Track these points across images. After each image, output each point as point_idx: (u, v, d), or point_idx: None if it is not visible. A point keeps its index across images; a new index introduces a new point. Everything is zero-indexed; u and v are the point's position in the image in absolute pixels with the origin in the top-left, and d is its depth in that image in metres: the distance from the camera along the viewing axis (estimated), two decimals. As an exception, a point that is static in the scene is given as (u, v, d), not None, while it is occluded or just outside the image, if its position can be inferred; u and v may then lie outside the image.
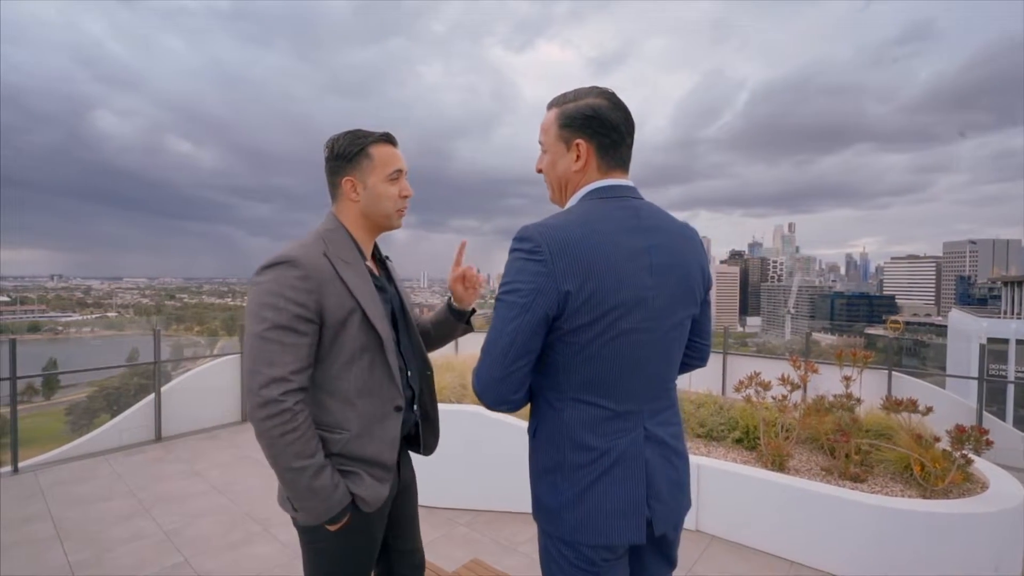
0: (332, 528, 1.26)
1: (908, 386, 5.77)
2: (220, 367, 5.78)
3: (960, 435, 2.83)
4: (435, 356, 3.59)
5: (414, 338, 1.51)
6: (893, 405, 3.13)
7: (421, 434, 1.52)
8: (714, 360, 7.13)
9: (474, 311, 1.60)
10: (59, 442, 4.85)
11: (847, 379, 3.56)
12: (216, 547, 3.10)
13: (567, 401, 1.11)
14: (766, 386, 3.50)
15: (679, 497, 1.18)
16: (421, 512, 1.68)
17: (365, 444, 1.30)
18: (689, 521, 3.27)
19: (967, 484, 2.93)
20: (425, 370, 1.53)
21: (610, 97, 1.14)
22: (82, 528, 3.32)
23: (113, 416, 5.19)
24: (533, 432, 1.19)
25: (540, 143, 1.22)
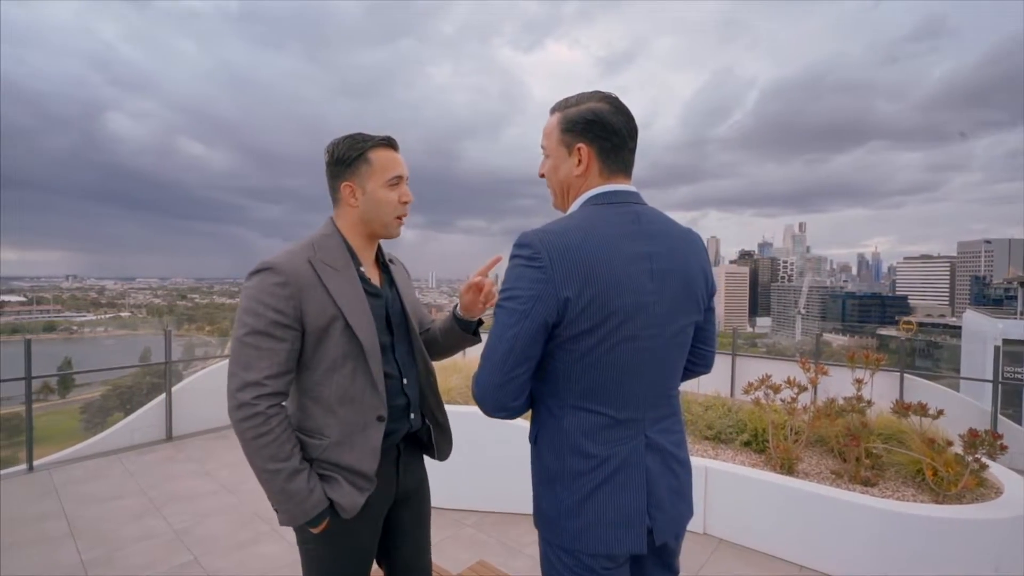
0: (314, 531, 1.27)
1: (920, 389, 5.70)
2: (230, 367, 5.84)
3: (973, 439, 2.78)
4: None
5: (415, 344, 1.48)
6: (903, 409, 3.09)
7: (435, 440, 1.51)
8: (723, 361, 7.07)
9: (481, 322, 1.53)
10: (74, 440, 4.93)
11: (858, 382, 3.51)
12: (225, 546, 3.13)
13: (567, 408, 1.10)
14: (776, 389, 3.46)
15: (680, 506, 1.17)
16: (426, 513, 1.67)
17: (344, 452, 1.29)
18: (697, 524, 3.25)
19: (981, 489, 2.88)
20: (428, 377, 1.50)
21: (612, 101, 1.14)
22: (94, 526, 3.37)
23: (126, 415, 5.27)
24: (534, 439, 1.19)
25: (542, 148, 1.21)
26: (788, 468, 3.20)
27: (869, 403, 3.40)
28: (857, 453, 3.12)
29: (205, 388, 5.61)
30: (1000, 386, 5.11)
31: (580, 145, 1.13)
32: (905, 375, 5.78)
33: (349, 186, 1.35)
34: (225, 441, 5.17)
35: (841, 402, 3.40)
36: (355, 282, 1.34)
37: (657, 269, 1.08)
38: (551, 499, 1.12)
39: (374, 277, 1.44)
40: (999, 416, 5.09)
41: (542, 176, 1.24)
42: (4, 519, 3.46)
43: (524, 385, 1.10)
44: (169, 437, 5.18)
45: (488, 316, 1.58)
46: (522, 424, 3.50)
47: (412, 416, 1.44)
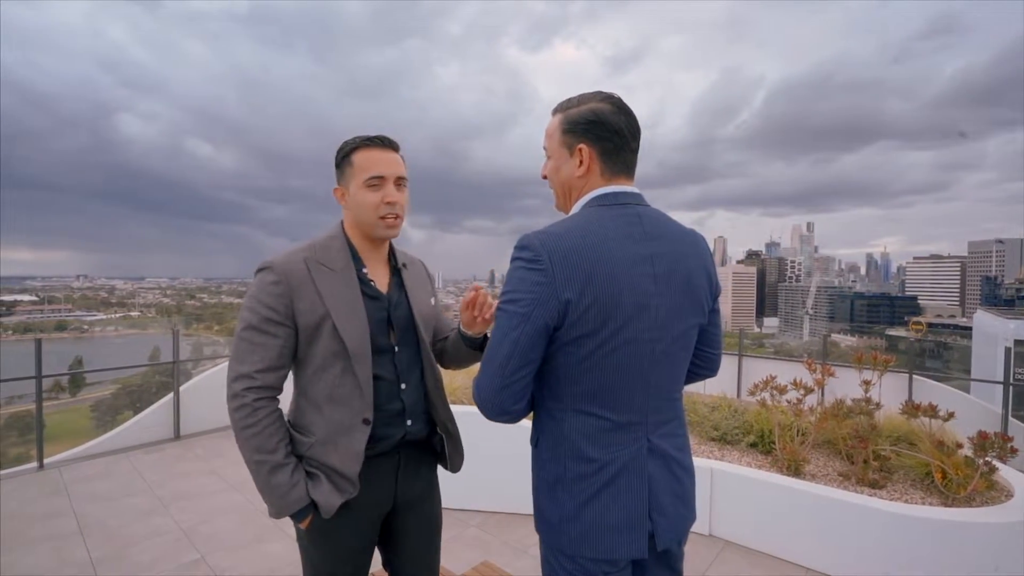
0: (300, 526, 1.32)
1: (930, 390, 5.64)
2: (237, 367, 5.87)
3: (983, 441, 2.75)
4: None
5: (423, 350, 1.44)
6: (912, 410, 3.05)
7: (447, 451, 1.49)
8: (729, 362, 7.03)
9: (486, 337, 1.44)
10: (85, 437, 4.98)
11: (866, 383, 3.48)
12: (231, 544, 3.15)
13: (568, 412, 1.09)
14: (782, 390, 3.44)
15: (683, 511, 1.17)
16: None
17: (329, 452, 1.30)
18: (702, 526, 3.23)
19: (991, 492, 2.85)
20: (436, 385, 1.46)
21: (615, 102, 1.13)
22: (103, 524, 3.41)
23: (136, 413, 5.31)
24: (535, 443, 1.18)
25: (544, 149, 1.21)
26: (795, 470, 3.17)
27: (877, 405, 3.37)
28: (865, 455, 3.09)
29: (213, 387, 5.64)
30: (1011, 388, 5.04)
31: (581, 146, 1.12)
32: (914, 376, 5.71)
33: (339, 189, 1.39)
34: (232, 440, 5.18)
35: (849, 403, 3.37)
36: (351, 283, 1.34)
37: (660, 271, 1.07)
38: (552, 503, 1.12)
39: (380, 279, 1.42)
40: (1010, 418, 5.02)
41: (544, 177, 1.23)
42: (15, 516, 3.50)
43: (526, 389, 1.09)
44: (177, 436, 5.23)
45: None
46: (527, 424, 3.50)
47: (409, 423, 1.39)
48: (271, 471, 1.25)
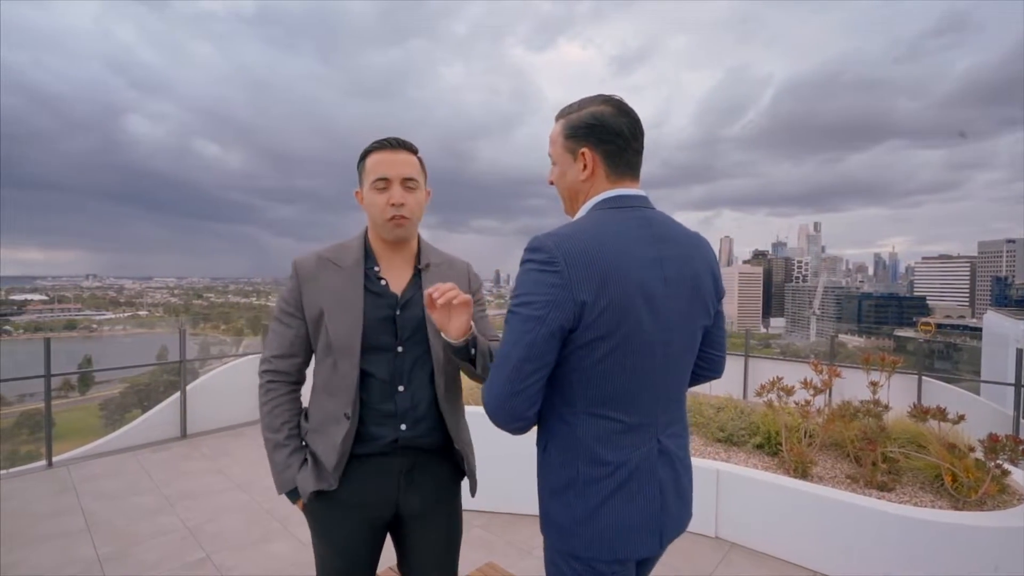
0: (296, 505, 1.41)
1: (939, 392, 5.58)
2: (244, 365, 5.90)
3: (994, 444, 2.71)
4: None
5: (434, 353, 1.38)
6: (921, 412, 3.02)
7: (466, 468, 1.46)
8: (735, 363, 6.99)
9: (469, 346, 1.26)
10: (94, 436, 5.03)
11: (874, 384, 3.44)
12: (237, 544, 3.16)
13: (580, 416, 1.08)
14: (789, 391, 3.40)
15: (683, 509, 1.18)
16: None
17: (317, 440, 1.37)
18: (708, 527, 3.21)
19: (1002, 496, 2.81)
20: (446, 394, 1.40)
21: (615, 103, 1.14)
22: (110, 522, 3.43)
23: (144, 412, 5.35)
24: (543, 447, 1.16)
25: (549, 155, 1.21)
26: (802, 472, 3.14)
27: (886, 406, 3.33)
28: (873, 457, 3.05)
29: (219, 387, 5.68)
30: (1023, 390, 4.98)
31: (584, 150, 1.13)
32: (923, 378, 5.65)
33: (358, 192, 1.42)
34: (239, 439, 5.24)
35: (857, 404, 3.33)
36: (354, 280, 1.37)
37: (669, 274, 1.08)
38: (562, 507, 1.11)
39: (396, 279, 1.41)
40: (1021, 420, 4.96)
41: (551, 184, 1.23)
42: (24, 514, 3.53)
43: (538, 393, 1.07)
44: (184, 435, 5.26)
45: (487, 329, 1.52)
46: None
47: (404, 427, 1.35)
48: (273, 448, 1.39)
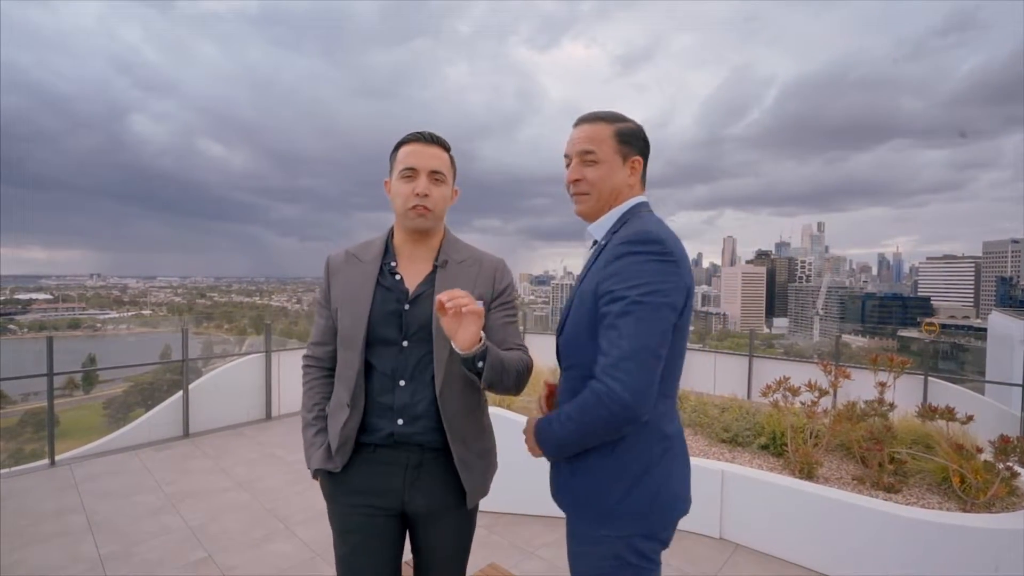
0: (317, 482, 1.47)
1: (946, 392, 5.53)
2: (247, 365, 5.90)
3: (1005, 446, 2.67)
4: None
5: (436, 353, 1.34)
6: (929, 413, 2.98)
7: (461, 475, 1.38)
8: (740, 363, 6.96)
9: (478, 361, 1.23)
10: (98, 434, 5.03)
11: (881, 385, 3.40)
12: (239, 544, 3.15)
13: (658, 397, 1.15)
14: (795, 391, 3.37)
15: None
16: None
17: (330, 424, 1.43)
18: (713, 528, 3.18)
19: (1011, 498, 2.77)
20: (445, 392, 1.35)
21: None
22: (112, 521, 3.42)
23: (147, 411, 5.36)
24: (622, 438, 1.17)
25: (588, 152, 1.26)
26: (808, 473, 3.12)
27: (892, 407, 3.30)
28: (880, 458, 3.02)
29: (222, 386, 5.68)
30: (1030, 390, 4.93)
31: (637, 158, 1.28)
32: (930, 378, 5.61)
33: (387, 182, 1.45)
34: (241, 439, 5.23)
35: (863, 405, 3.30)
36: (369, 274, 1.40)
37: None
38: (643, 493, 1.17)
39: (413, 274, 1.41)
40: (1029, 422, 4.92)
41: (577, 180, 1.28)
42: (26, 513, 3.53)
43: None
44: (186, 434, 5.25)
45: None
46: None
47: (400, 422, 1.34)
48: (304, 427, 1.47)
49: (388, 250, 1.44)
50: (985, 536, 2.46)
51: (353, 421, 1.36)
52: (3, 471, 4.29)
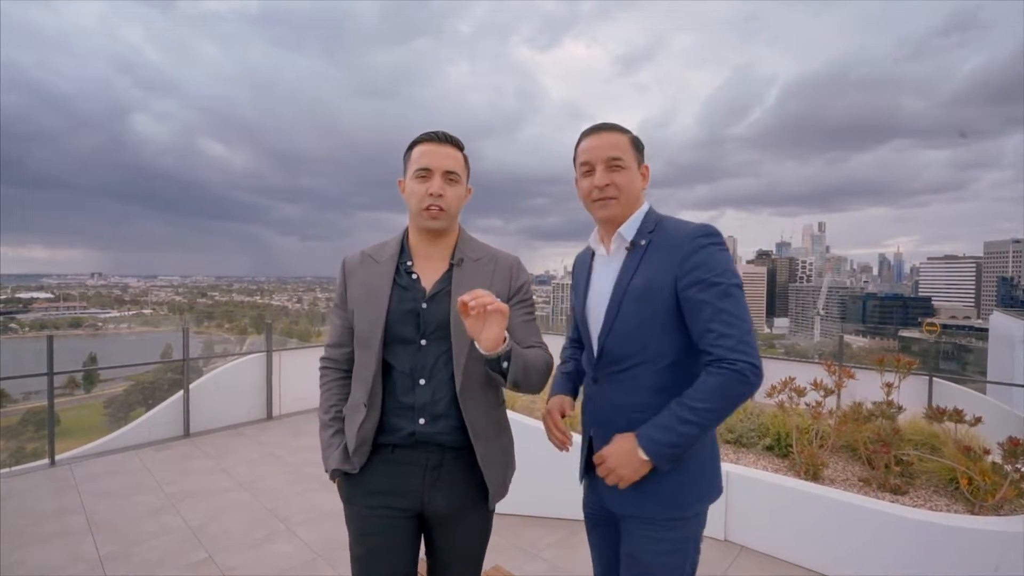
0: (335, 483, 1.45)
1: (950, 393, 5.50)
2: (247, 364, 5.88)
3: (1014, 448, 2.64)
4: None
5: (455, 351, 1.33)
6: (937, 414, 2.95)
7: (485, 476, 1.38)
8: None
9: (502, 362, 1.24)
10: (99, 433, 5.01)
11: (888, 386, 3.37)
12: (239, 544, 3.13)
13: None
14: (800, 392, 3.35)
15: None
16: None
17: (347, 424, 1.42)
18: (717, 530, 3.15)
19: (1021, 500, 2.75)
20: (466, 391, 1.33)
21: None
22: (112, 521, 3.40)
23: (148, 410, 5.34)
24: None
25: (617, 158, 1.32)
26: (813, 474, 3.09)
27: (900, 408, 3.27)
28: (887, 460, 3.00)
29: (223, 385, 5.66)
30: (1035, 391, 4.90)
31: (646, 165, 1.40)
32: (934, 379, 5.58)
33: (401, 181, 1.44)
34: (241, 438, 5.21)
35: (870, 406, 3.27)
36: (385, 274, 1.40)
37: None
38: (715, 466, 1.36)
39: (429, 273, 1.40)
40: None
41: (607, 186, 1.33)
42: (26, 513, 3.51)
43: None
44: (187, 434, 5.23)
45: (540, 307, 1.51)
46: (534, 424, 3.43)
47: (422, 421, 1.34)
48: (321, 428, 1.46)
49: (404, 250, 1.44)
50: (991, 538, 2.43)
51: (370, 421, 1.35)
52: (3, 471, 4.27)
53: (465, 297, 1.14)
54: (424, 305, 1.37)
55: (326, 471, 1.42)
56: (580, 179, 1.38)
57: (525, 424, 3.44)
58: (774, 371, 5.76)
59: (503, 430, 1.48)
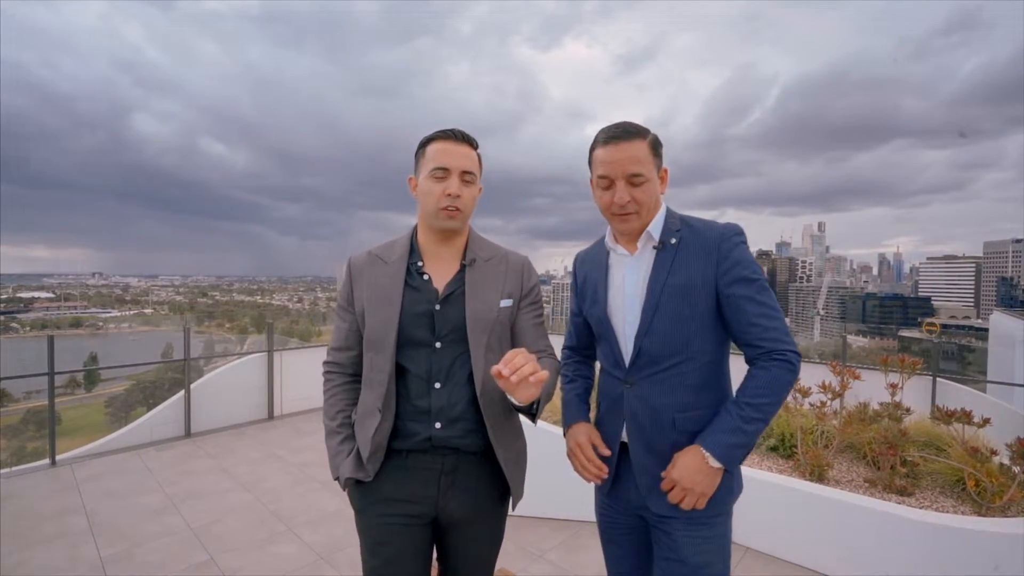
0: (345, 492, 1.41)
1: (953, 393, 5.48)
2: (248, 364, 5.86)
3: (1022, 449, 2.63)
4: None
5: (473, 353, 1.32)
6: (945, 416, 2.94)
7: (506, 474, 1.37)
8: (742, 363, 6.88)
9: (535, 410, 1.30)
10: (100, 433, 4.99)
11: (893, 387, 3.35)
12: (241, 545, 3.11)
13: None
14: (805, 392, 3.33)
15: None
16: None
17: (359, 430, 1.38)
18: (721, 532, 3.14)
19: (1027, 501, 2.73)
20: (485, 393, 1.32)
21: None
22: (114, 522, 3.39)
23: (149, 409, 5.32)
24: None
25: (638, 175, 1.27)
26: (818, 475, 3.07)
27: (907, 410, 3.24)
28: (892, 461, 2.98)
29: (224, 385, 5.64)
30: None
31: (665, 168, 1.35)
32: (937, 379, 5.56)
33: (412, 179, 1.41)
34: (243, 439, 5.19)
35: (877, 407, 3.25)
36: (396, 275, 1.36)
37: None
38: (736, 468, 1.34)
39: (441, 274, 1.38)
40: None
41: (628, 202, 1.27)
42: (27, 513, 3.49)
43: None
44: (188, 434, 5.22)
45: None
46: (541, 424, 3.42)
47: (438, 425, 1.31)
48: (328, 435, 1.42)
49: (413, 249, 1.41)
50: (998, 540, 2.41)
51: (385, 426, 1.31)
52: (4, 471, 4.25)
53: (502, 370, 1.08)
54: (437, 307, 1.34)
55: (335, 479, 1.38)
56: (597, 190, 1.33)
57: (526, 424, 3.41)
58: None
59: (519, 433, 1.46)
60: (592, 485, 1.49)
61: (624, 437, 1.36)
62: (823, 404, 3.28)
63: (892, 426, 3.12)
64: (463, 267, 1.39)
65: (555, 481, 2.78)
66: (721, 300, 1.27)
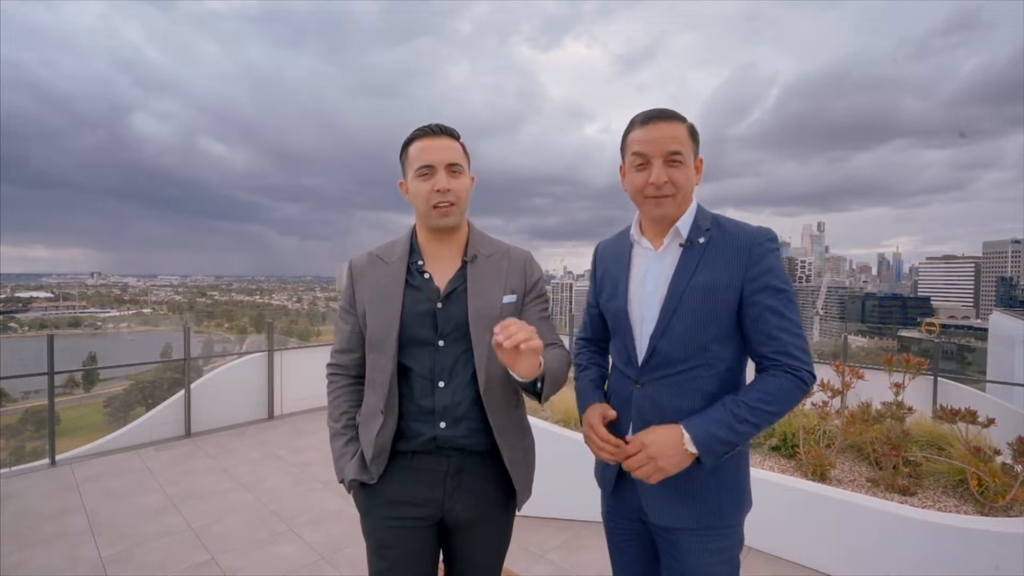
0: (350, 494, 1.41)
1: (955, 393, 5.47)
2: (248, 364, 5.84)
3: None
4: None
5: (476, 351, 1.30)
6: (949, 415, 2.93)
7: (513, 478, 1.36)
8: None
9: (537, 383, 1.23)
10: (99, 433, 4.98)
11: (898, 386, 3.34)
12: (242, 545, 3.10)
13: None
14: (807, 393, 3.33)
15: None
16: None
17: (362, 432, 1.38)
18: (723, 532, 3.13)
19: (1030, 501, 2.72)
20: (490, 392, 1.30)
21: None
22: (114, 522, 3.38)
23: (148, 409, 5.31)
24: None
25: (677, 153, 1.22)
26: (820, 475, 3.07)
27: (910, 409, 3.23)
28: (895, 461, 2.97)
29: (224, 385, 5.63)
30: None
31: (701, 158, 1.30)
32: (939, 378, 5.56)
33: (403, 183, 1.39)
34: (243, 439, 5.18)
35: (879, 407, 3.24)
36: (396, 275, 1.35)
37: None
38: (748, 468, 1.34)
39: (442, 272, 1.36)
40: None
41: (665, 183, 1.22)
42: (27, 513, 3.48)
43: None
44: (188, 433, 5.21)
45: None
46: (541, 424, 3.41)
47: (443, 424, 1.30)
48: (332, 437, 1.42)
49: (413, 249, 1.40)
50: (1001, 539, 2.41)
51: (388, 428, 1.30)
52: (3, 471, 4.24)
53: (498, 337, 1.06)
54: (439, 305, 1.32)
55: (340, 481, 1.37)
56: (631, 171, 1.26)
57: (533, 424, 3.41)
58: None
59: (526, 431, 1.45)
60: (596, 486, 1.47)
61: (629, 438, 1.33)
62: (825, 404, 3.28)
63: (895, 426, 3.11)
64: (464, 264, 1.37)
65: (558, 481, 2.77)
66: (743, 306, 1.20)
